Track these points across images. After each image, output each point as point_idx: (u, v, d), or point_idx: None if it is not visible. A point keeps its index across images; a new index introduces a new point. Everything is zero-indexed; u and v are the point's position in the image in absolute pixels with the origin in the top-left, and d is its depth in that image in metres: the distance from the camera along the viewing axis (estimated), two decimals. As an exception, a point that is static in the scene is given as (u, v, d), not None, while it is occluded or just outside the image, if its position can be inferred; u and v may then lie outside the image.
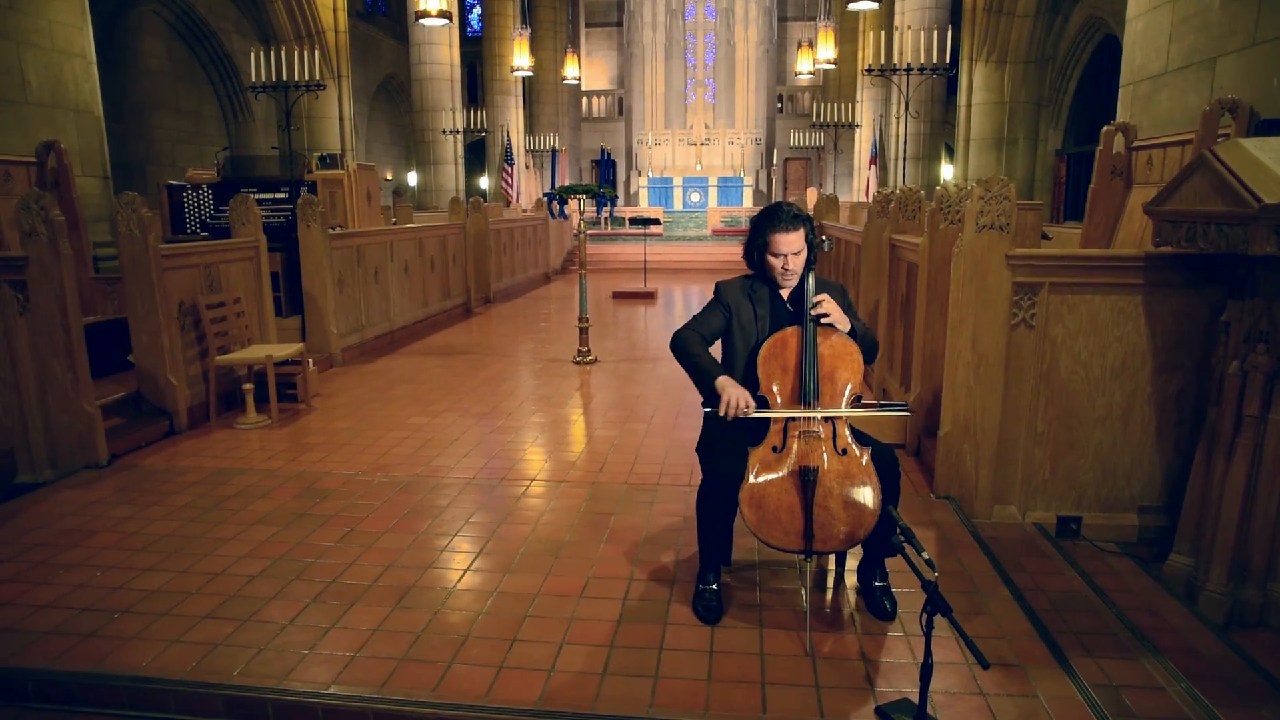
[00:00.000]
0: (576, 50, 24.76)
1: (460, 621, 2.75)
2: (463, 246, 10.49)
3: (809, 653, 2.53)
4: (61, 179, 6.51)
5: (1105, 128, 4.94)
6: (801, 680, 2.40)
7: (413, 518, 3.69)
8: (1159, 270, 3.36)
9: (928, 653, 2.04)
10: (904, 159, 12.89)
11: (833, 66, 20.01)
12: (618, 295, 12.11)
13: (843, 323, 2.71)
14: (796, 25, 27.47)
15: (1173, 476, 3.52)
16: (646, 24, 27.86)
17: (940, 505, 3.72)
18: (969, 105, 11.79)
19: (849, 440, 2.60)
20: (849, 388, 2.64)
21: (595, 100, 28.97)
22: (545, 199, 7.69)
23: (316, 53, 10.28)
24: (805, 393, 2.61)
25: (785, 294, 2.81)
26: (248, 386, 5.21)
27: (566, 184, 7.71)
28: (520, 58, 18.85)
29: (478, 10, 25.76)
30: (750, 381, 2.71)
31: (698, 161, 26.95)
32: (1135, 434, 3.53)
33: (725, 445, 2.70)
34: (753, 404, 2.58)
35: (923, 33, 10.64)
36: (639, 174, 27.08)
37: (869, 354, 2.77)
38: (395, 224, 10.91)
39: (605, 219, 18.24)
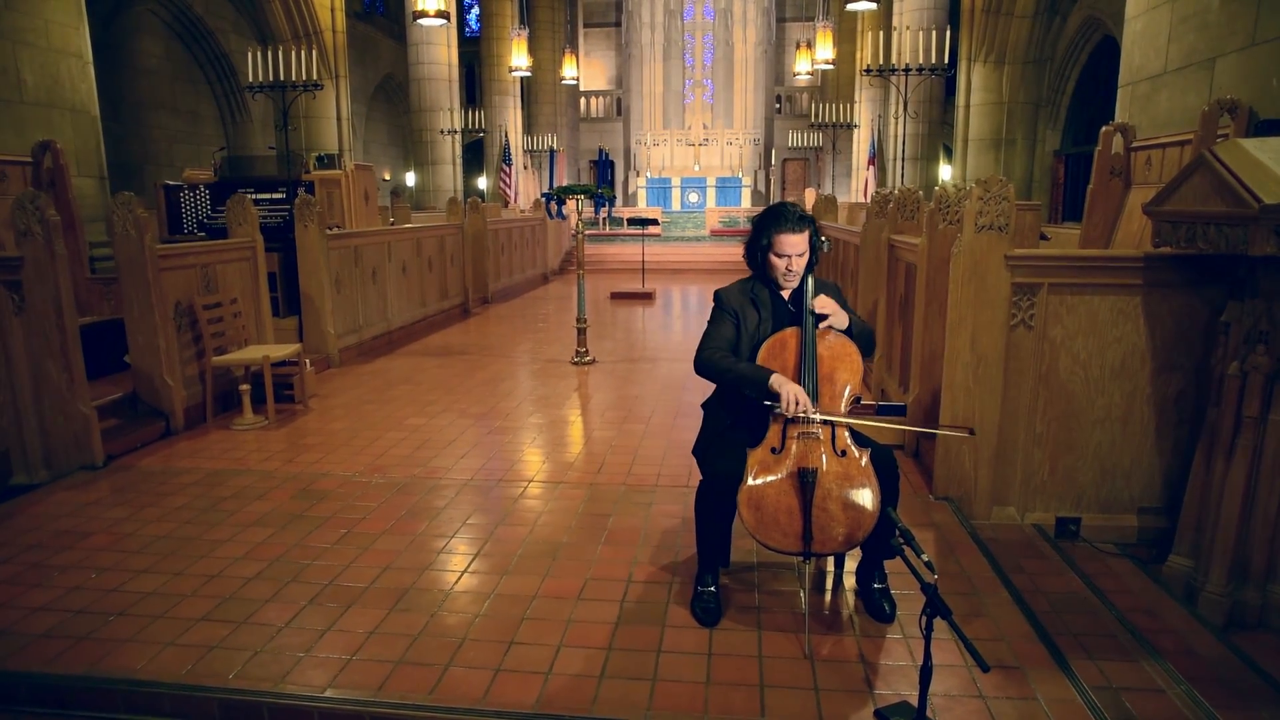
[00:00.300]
0: (575, 50, 24.74)
1: (457, 624, 2.74)
2: (461, 247, 10.47)
3: (808, 655, 2.52)
4: (57, 179, 6.49)
5: (1104, 128, 4.93)
6: (800, 683, 2.39)
7: (410, 519, 3.67)
8: (1158, 271, 3.35)
9: (927, 655, 2.03)
10: (904, 159, 12.89)
11: (831, 67, 20.02)
12: (616, 296, 12.10)
13: (841, 321, 2.70)
14: (795, 26, 27.46)
15: (1172, 477, 3.52)
16: (645, 24, 27.84)
17: (939, 506, 3.71)
18: (967, 106, 11.79)
19: (848, 442, 2.58)
20: (848, 388, 2.63)
21: (593, 100, 28.95)
22: (543, 199, 7.66)
23: (314, 52, 10.26)
24: (804, 394, 2.59)
25: (786, 294, 2.80)
26: (244, 387, 5.19)
27: (565, 184, 7.69)
28: (518, 58, 18.83)
29: (476, 10, 25.75)
30: (754, 383, 2.69)
31: (696, 162, 26.94)
32: (1134, 435, 3.52)
33: (724, 446, 2.69)
34: (809, 402, 2.54)
35: (921, 33, 10.63)
36: (637, 174, 27.07)
37: (867, 348, 2.76)
38: (393, 224, 10.89)
39: (603, 219, 18.23)
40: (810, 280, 2.73)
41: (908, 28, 11.70)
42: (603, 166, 23.40)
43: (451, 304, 10.11)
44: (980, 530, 3.53)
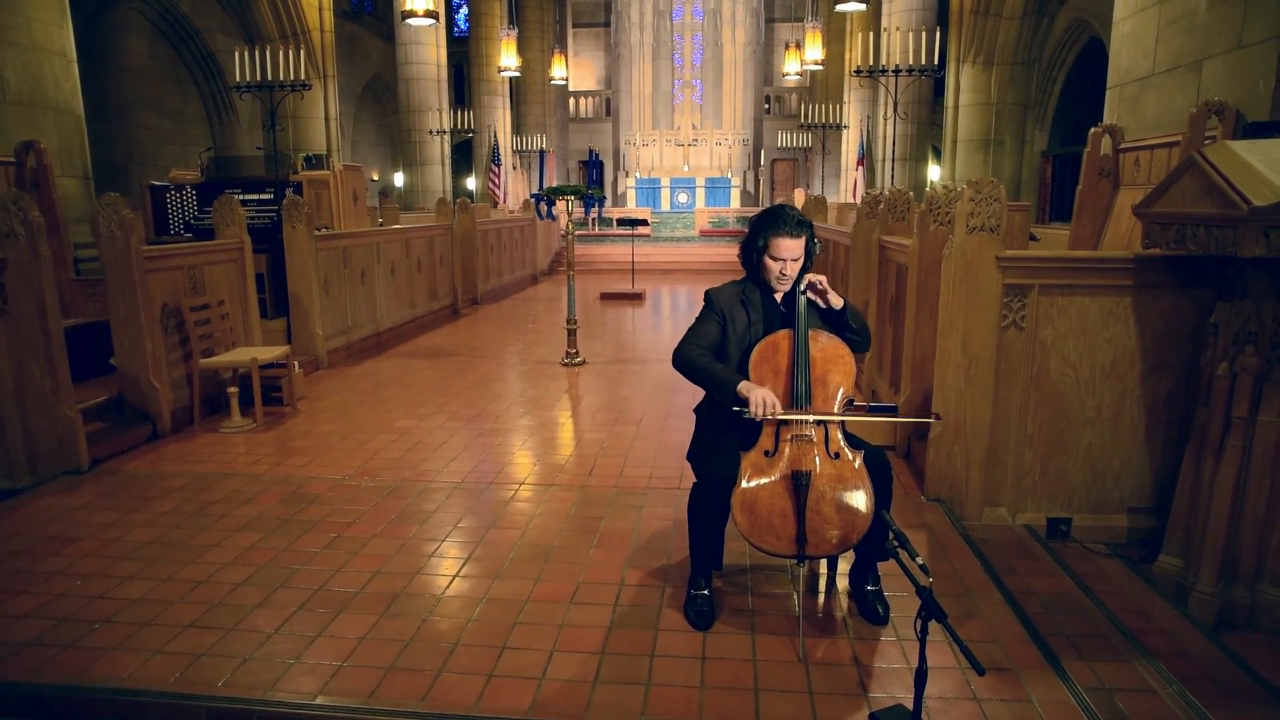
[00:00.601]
0: (564, 51, 24.69)
1: (449, 629, 2.71)
2: (450, 247, 10.43)
3: (802, 658, 2.51)
4: (41, 179, 6.41)
5: (1093, 129, 4.95)
6: (794, 686, 2.38)
7: (400, 523, 3.64)
8: (1148, 272, 3.37)
9: (922, 659, 2.03)
10: (899, 160, 12.93)
11: (820, 68, 20.06)
12: (605, 296, 12.08)
13: (836, 300, 2.68)
14: (784, 26, 27.51)
15: (1162, 478, 3.53)
16: (634, 24, 27.83)
17: (931, 507, 3.71)
18: (956, 107, 11.84)
19: (841, 444, 2.58)
20: (841, 391, 2.63)
21: (583, 101, 28.92)
22: (533, 200, 7.64)
23: (302, 52, 10.18)
24: (797, 396, 2.59)
25: (778, 297, 2.79)
26: (232, 390, 5.15)
27: (555, 185, 7.66)
28: (508, 58, 18.78)
29: (464, 10, 25.69)
30: (742, 386, 2.69)
31: (685, 162, 26.94)
32: (1125, 435, 3.54)
33: (717, 449, 2.68)
34: (779, 404, 2.54)
35: (911, 34, 10.66)
36: (626, 174, 27.05)
37: (864, 341, 2.75)
38: (382, 225, 10.84)
39: (593, 220, 18.21)
40: (802, 283, 2.72)
41: (897, 29, 11.74)
42: (592, 167, 23.39)
43: (441, 305, 10.07)
44: (972, 531, 3.54)
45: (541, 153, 18.58)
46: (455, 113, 17.76)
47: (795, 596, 2.90)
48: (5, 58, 6.78)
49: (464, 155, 22.48)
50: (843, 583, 2.99)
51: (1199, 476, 3.12)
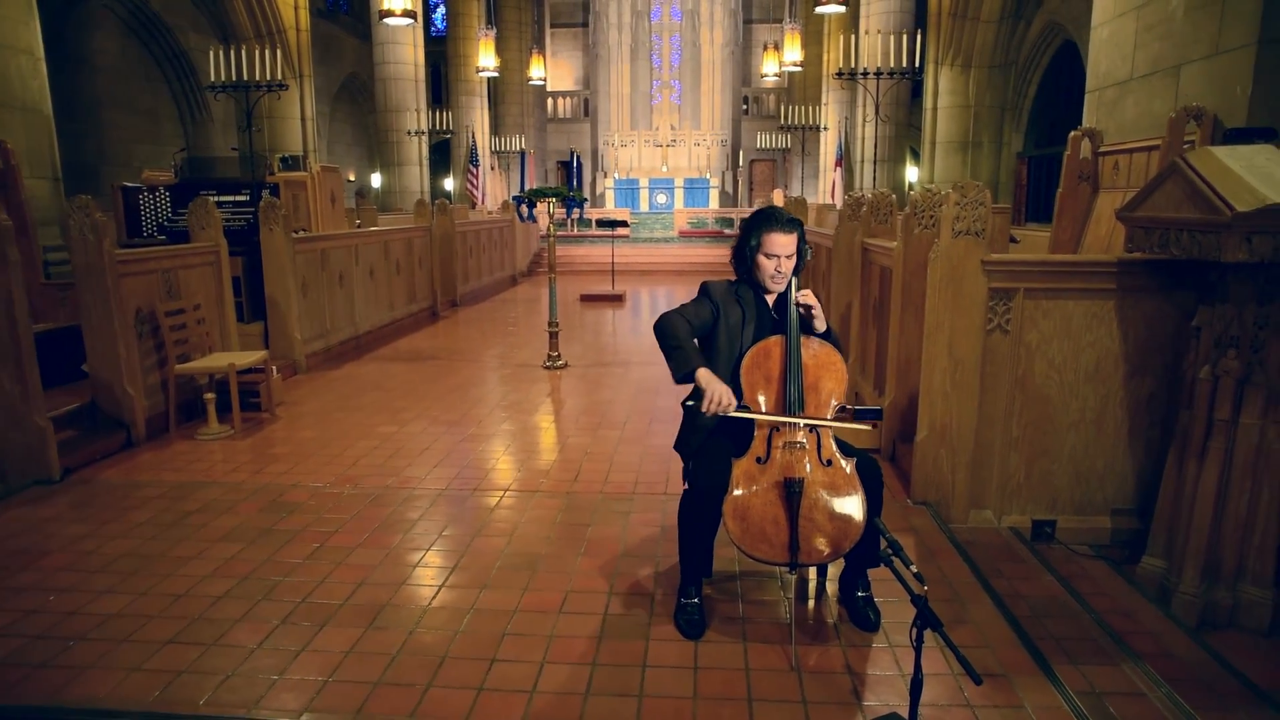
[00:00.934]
0: (542, 51, 24.61)
1: (436, 641, 2.67)
2: (429, 249, 10.34)
3: (795, 667, 2.50)
4: (9, 180, 6.26)
5: (1072, 133, 5.00)
6: (788, 695, 2.36)
7: (384, 532, 3.59)
8: (1131, 275, 3.40)
9: (918, 668, 2.01)
10: (875, 161, 13.01)
11: (799, 69, 20.14)
12: (586, 298, 12.04)
13: (821, 323, 2.69)
14: (762, 27, 27.59)
15: (1144, 479, 3.56)
16: (612, 25, 27.78)
17: (917, 511, 3.72)
18: (935, 109, 11.94)
19: (834, 450, 2.57)
20: (833, 398, 2.62)
21: (561, 101, 28.83)
22: (514, 202, 7.58)
23: (278, 52, 10.04)
24: (789, 403, 2.58)
25: (770, 300, 2.77)
26: (209, 396, 5.05)
27: (535, 186, 7.62)
28: (486, 58, 18.67)
29: (442, 10, 25.50)
30: (734, 389, 2.67)
31: (664, 163, 26.94)
32: (1108, 437, 3.57)
33: (708, 456, 2.65)
34: (734, 402, 2.51)
35: (891, 36, 10.74)
36: (605, 175, 26.98)
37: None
38: (359, 227, 10.72)
39: (572, 221, 18.14)
40: (794, 286, 2.71)
41: (878, 31, 11.81)
42: (574, 168, 23.27)
43: (420, 307, 9.98)
44: (958, 534, 3.55)
45: (522, 154, 18.50)
46: (433, 113, 17.64)
47: (786, 603, 2.89)
48: (-30, 56, 6.62)
49: (441, 156, 22.34)
50: (832, 588, 2.98)
51: (1182, 479, 3.15)
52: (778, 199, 18.46)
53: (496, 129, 23.77)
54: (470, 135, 20.07)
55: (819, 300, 2.73)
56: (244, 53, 9.65)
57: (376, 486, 4.15)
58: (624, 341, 9.03)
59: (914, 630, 2.00)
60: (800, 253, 2.72)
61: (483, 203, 19.50)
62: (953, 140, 11.92)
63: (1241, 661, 2.76)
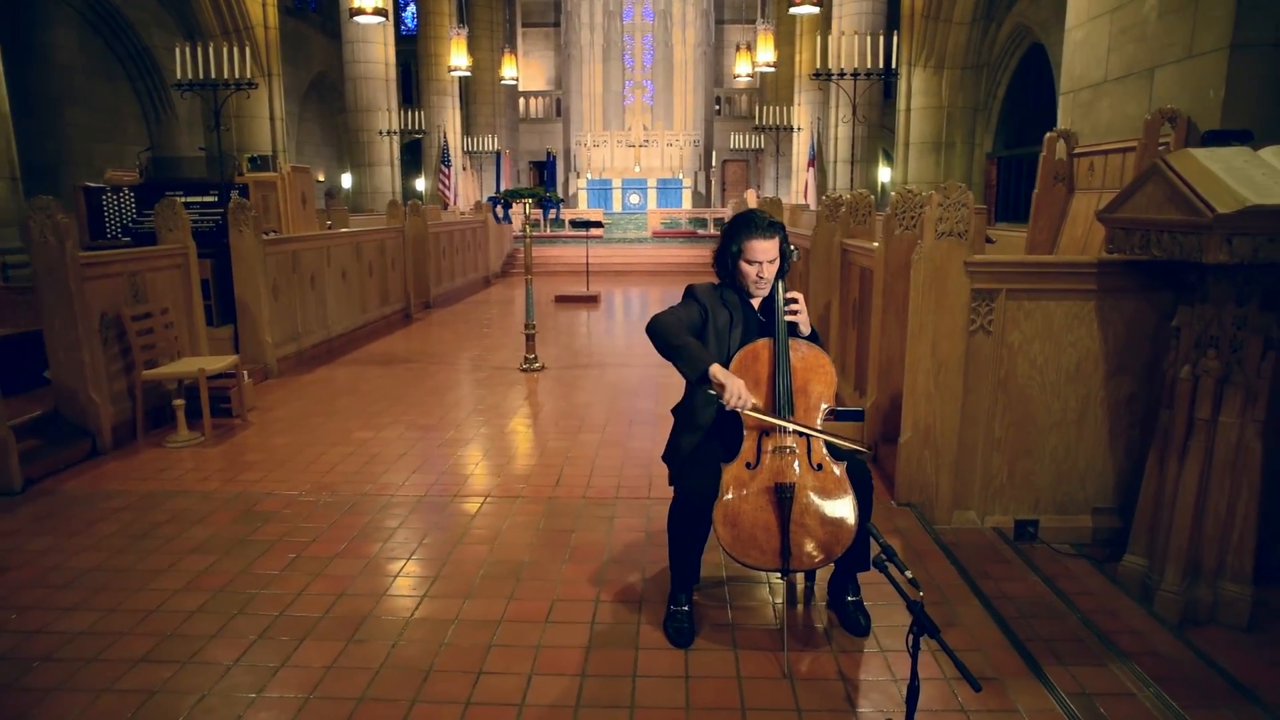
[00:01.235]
0: (514, 50, 24.45)
1: (421, 654, 2.60)
2: (401, 250, 10.21)
3: (787, 674, 2.47)
4: (-35, 181, 6.06)
5: (1048, 134, 5.04)
6: (782, 704, 2.33)
7: (362, 541, 3.51)
8: (1110, 276, 3.42)
9: (914, 675, 1.99)
10: (852, 162, 13.09)
11: (772, 69, 20.23)
12: (560, 299, 11.96)
13: (805, 326, 2.67)
14: (734, 28, 27.68)
15: (1124, 478, 3.59)
16: (584, 25, 27.71)
17: (902, 513, 3.72)
18: (908, 109, 12.04)
19: (824, 454, 2.54)
20: (822, 400, 2.59)
21: (533, 101, 28.69)
22: (490, 203, 7.50)
23: (246, 49, 9.83)
24: (778, 407, 2.55)
25: (755, 304, 2.74)
26: (178, 402, 4.92)
27: (511, 187, 7.54)
28: (458, 57, 18.51)
29: (412, 8, 25.24)
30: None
31: (636, 163, 26.90)
32: (1089, 437, 3.59)
33: (698, 462, 2.62)
34: (752, 398, 2.43)
35: (869, 38, 10.80)
36: (577, 175, 26.90)
37: None
38: (330, 228, 10.55)
39: (547, 221, 18.05)
40: (780, 288, 2.68)
41: (854, 32, 11.88)
42: (549, 168, 23.08)
43: (393, 309, 9.85)
44: (943, 535, 3.55)
45: (498, 154, 18.37)
46: (404, 113, 17.44)
47: (775, 609, 2.86)
48: (-77, 52, 6.39)
49: (413, 156, 22.11)
50: (821, 591, 2.96)
51: (1163, 478, 3.17)
52: (750, 199, 18.51)
53: (468, 129, 23.59)
54: (442, 135, 19.88)
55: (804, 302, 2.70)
56: (211, 50, 9.44)
57: (353, 494, 4.06)
58: (600, 343, 8.98)
59: (910, 637, 1.98)
60: (784, 255, 2.70)
61: (455, 203, 19.34)
62: (926, 141, 12.03)
63: (1224, 658, 2.78)
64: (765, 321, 2.72)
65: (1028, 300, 3.48)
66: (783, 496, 2.46)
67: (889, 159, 20.19)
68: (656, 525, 3.63)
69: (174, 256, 5.62)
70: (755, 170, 27.42)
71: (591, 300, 11.98)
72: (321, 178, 23.49)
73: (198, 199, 6.95)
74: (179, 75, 9.54)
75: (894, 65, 11.39)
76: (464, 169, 22.20)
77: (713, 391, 2.44)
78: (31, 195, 4.70)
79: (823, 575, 2.97)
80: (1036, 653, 2.62)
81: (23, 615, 2.87)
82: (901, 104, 12.23)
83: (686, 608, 2.71)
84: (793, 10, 12.94)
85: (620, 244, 18.94)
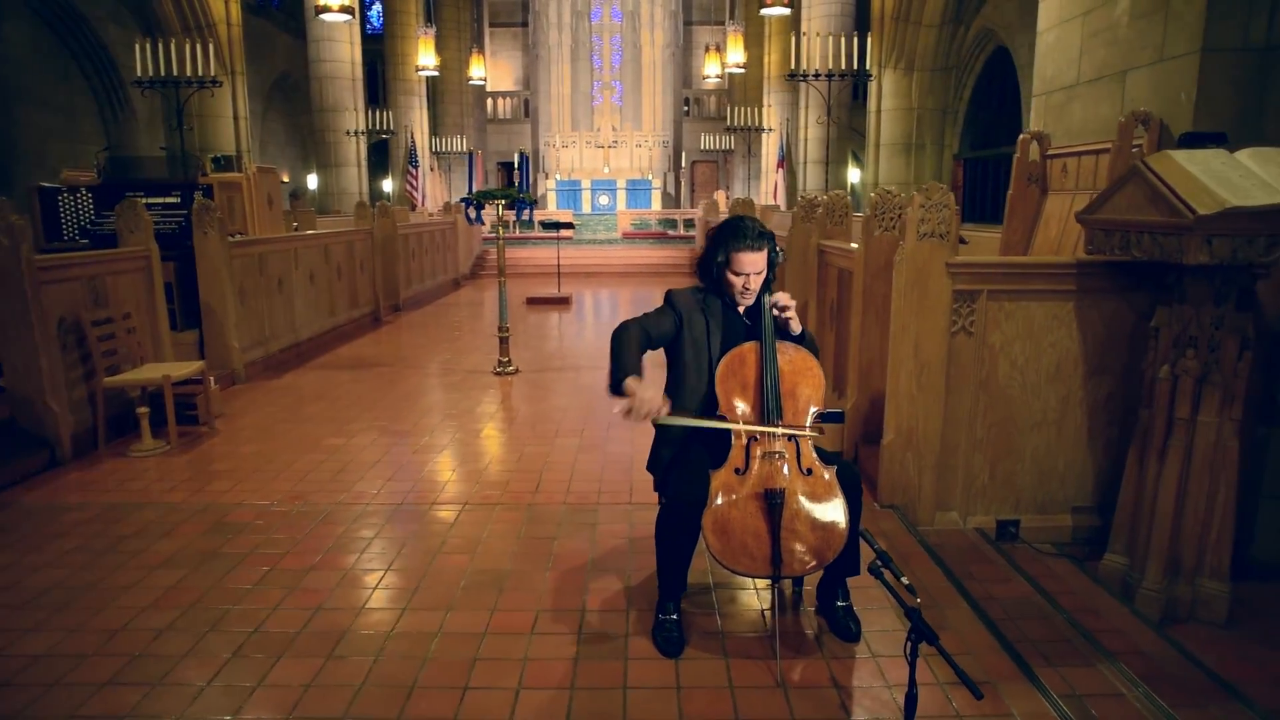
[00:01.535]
0: (481, 50, 24.25)
1: (403, 670, 2.52)
2: (370, 252, 10.04)
3: (780, 683, 2.43)
4: (-88, 181, 5.82)
5: (1021, 135, 5.08)
6: (776, 714, 2.30)
7: (338, 552, 3.41)
8: (1089, 277, 3.44)
9: (912, 682, 1.97)
10: (826, 163, 13.16)
11: (742, 70, 20.29)
12: (532, 301, 11.87)
13: (797, 326, 2.64)
14: (702, 29, 27.73)
15: (1103, 477, 3.62)
16: (552, 25, 27.56)
17: (885, 515, 3.71)
18: (879, 111, 12.14)
19: (814, 459, 2.51)
20: (811, 405, 2.56)
21: (501, 101, 28.47)
22: (462, 204, 7.39)
23: (209, 47, 9.59)
24: (766, 411, 2.51)
25: (741, 309, 2.71)
26: (142, 410, 4.76)
27: (483, 188, 7.44)
28: (426, 57, 18.31)
29: (377, 7, 24.92)
30: (710, 400, 2.60)
31: (606, 164, 26.81)
32: (1069, 437, 3.61)
33: (686, 469, 2.57)
34: (666, 406, 2.46)
35: (842, 39, 10.86)
36: (546, 176, 26.74)
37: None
38: (297, 229, 10.34)
39: (517, 223, 17.91)
40: (766, 295, 2.64)
41: (818, 34, 11.94)
42: (522, 168, 22.86)
43: (362, 312, 9.68)
44: (926, 536, 3.54)
45: (470, 154, 18.12)
46: (370, 113, 17.19)
47: (765, 615, 2.83)
48: None
49: (380, 157, 21.82)
50: (809, 597, 2.92)
51: (1143, 477, 3.20)
52: (720, 200, 18.54)
53: (436, 129, 23.35)
54: (409, 136, 19.64)
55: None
56: (172, 47, 9.19)
57: (327, 503, 3.95)
58: (573, 345, 8.91)
59: (908, 644, 1.95)
60: (771, 264, 2.66)
61: (423, 204, 19.12)
62: (897, 142, 12.14)
63: (1206, 655, 2.80)
64: (751, 325, 2.68)
65: (1008, 301, 3.49)
66: (773, 502, 2.43)
67: (858, 160, 20.37)
68: (639, 531, 3.58)
69: (136, 259, 5.45)
70: (725, 171, 27.51)
71: (563, 302, 11.90)
72: (286, 179, 23.08)
73: (160, 200, 6.75)
74: (139, 72, 9.27)
75: (867, 67, 11.48)
76: (432, 170, 21.96)
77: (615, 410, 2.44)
78: (-16, 196, 4.52)
79: (811, 580, 2.94)
80: (1026, 655, 2.62)
81: (-20, 637, 2.74)
82: (872, 105, 12.34)
83: (675, 616, 2.67)
84: (764, 11, 12.97)
85: (590, 245, 18.87)
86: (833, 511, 2.46)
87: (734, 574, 2.51)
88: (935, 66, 11.92)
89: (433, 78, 20.91)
